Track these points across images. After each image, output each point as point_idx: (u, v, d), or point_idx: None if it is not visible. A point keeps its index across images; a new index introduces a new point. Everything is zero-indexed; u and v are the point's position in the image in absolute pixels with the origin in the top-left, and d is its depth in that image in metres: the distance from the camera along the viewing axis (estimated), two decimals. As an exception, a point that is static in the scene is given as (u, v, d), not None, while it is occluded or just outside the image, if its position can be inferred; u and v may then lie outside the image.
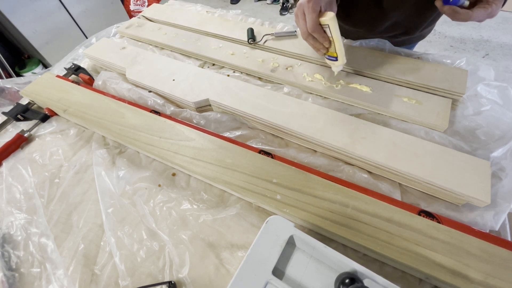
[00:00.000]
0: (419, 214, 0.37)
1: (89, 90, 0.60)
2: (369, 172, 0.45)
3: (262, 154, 0.45)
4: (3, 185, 0.50)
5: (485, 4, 0.41)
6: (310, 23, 0.43)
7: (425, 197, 0.42)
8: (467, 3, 0.42)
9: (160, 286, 0.36)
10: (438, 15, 0.63)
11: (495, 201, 0.39)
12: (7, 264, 0.41)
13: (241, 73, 0.65)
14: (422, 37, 0.71)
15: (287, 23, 0.87)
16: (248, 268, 0.29)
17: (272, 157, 0.45)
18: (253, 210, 0.43)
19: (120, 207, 0.45)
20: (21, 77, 0.68)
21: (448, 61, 0.59)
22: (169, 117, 0.53)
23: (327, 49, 0.48)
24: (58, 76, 0.64)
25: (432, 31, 0.74)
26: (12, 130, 0.60)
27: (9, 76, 1.78)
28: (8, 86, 0.66)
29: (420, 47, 0.74)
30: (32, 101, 0.62)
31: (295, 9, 0.47)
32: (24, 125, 0.59)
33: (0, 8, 1.57)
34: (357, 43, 0.65)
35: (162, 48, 0.75)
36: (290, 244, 0.32)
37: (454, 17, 0.43)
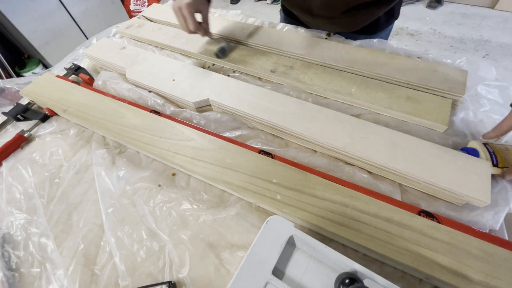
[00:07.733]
0: (419, 214, 0.37)
1: (89, 90, 0.60)
2: (369, 172, 0.45)
3: (262, 154, 0.45)
4: (3, 185, 0.50)
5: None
6: (192, 26, 0.56)
7: (425, 197, 0.42)
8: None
9: (160, 286, 0.36)
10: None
11: (495, 201, 0.39)
12: (7, 264, 0.41)
13: (241, 73, 0.65)
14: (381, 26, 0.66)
15: (287, 23, 0.87)
16: (248, 268, 0.29)
17: (272, 157, 0.45)
18: (253, 210, 0.43)
19: (120, 207, 0.45)
20: (21, 77, 0.69)
21: (448, 61, 0.59)
22: (169, 117, 0.53)
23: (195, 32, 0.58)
24: (58, 76, 0.64)
25: (432, 31, 0.71)
26: (12, 130, 0.60)
27: (9, 76, 1.78)
28: (8, 86, 0.66)
29: (420, 47, 0.73)
30: (32, 101, 0.62)
31: (173, 7, 0.55)
32: (24, 125, 0.59)
33: (0, 8, 1.57)
34: (357, 43, 0.65)
35: (162, 48, 0.75)
36: (290, 244, 0.32)
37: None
